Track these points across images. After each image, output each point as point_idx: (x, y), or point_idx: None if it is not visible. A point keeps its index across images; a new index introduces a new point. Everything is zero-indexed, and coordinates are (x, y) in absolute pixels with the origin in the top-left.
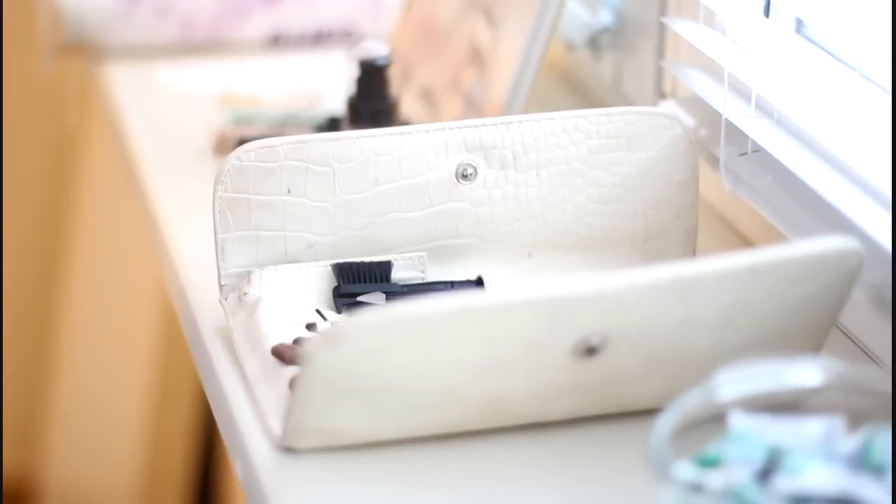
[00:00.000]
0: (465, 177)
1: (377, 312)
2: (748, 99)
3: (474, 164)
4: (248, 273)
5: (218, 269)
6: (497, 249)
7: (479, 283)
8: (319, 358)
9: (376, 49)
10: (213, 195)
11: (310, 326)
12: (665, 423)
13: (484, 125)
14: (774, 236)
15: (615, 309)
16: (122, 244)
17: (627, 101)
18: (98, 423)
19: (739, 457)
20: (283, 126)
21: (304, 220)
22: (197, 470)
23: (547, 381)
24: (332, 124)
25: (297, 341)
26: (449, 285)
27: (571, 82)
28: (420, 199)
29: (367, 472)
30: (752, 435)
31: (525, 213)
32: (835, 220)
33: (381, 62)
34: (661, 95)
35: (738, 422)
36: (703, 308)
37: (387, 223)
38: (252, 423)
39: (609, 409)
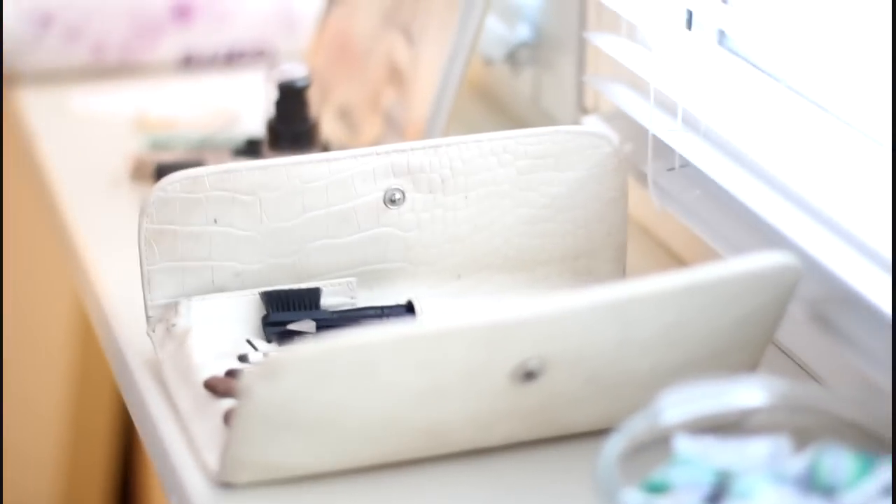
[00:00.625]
0: (392, 202)
1: (315, 344)
2: (674, 113)
3: (402, 189)
4: (176, 304)
5: (144, 300)
6: (426, 272)
7: (409, 307)
8: (257, 391)
9: (295, 70)
10: (139, 227)
11: (241, 357)
12: (611, 449)
13: (412, 149)
14: (704, 252)
15: (553, 333)
16: (38, 255)
17: (548, 117)
18: (14, 427)
19: (687, 482)
20: (200, 149)
21: (231, 250)
22: (117, 473)
23: (485, 407)
24: (251, 146)
25: (229, 373)
26: (379, 311)
27: (490, 98)
28: (348, 224)
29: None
30: (698, 458)
31: (453, 236)
32: (766, 235)
33: (300, 84)
34: (583, 110)
35: (684, 445)
36: (641, 329)
37: (315, 250)
38: (186, 457)
39: (548, 433)
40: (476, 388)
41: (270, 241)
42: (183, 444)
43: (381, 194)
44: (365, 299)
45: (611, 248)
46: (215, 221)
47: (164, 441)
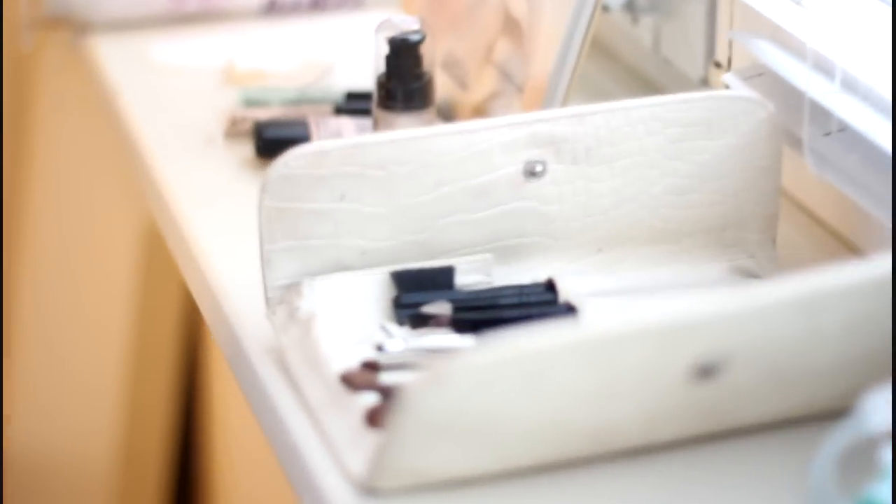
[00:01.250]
0: (533, 174)
1: (483, 351)
2: (829, 73)
3: (543, 161)
4: (299, 284)
5: (264, 281)
6: (565, 246)
7: (549, 286)
8: (421, 399)
9: (406, 23)
10: (259, 204)
11: (379, 347)
12: (822, 468)
13: (555, 118)
14: (860, 222)
15: (736, 330)
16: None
17: (672, 69)
18: (69, 390)
19: None
20: (297, 105)
21: (358, 227)
22: (177, 440)
23: (658, 406)
24: (352, 100)
25: (367, 365)
26: (518, 290)
27: (605, 48)
28: (485, 199)
29: None
30: None
31: (597, 208)
32: None
33: (413, 38)
34: (715, 65)
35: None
36: (828, 322)
37: (448, 226)
38: (322, 457)
39: (718, 429)
40: (650, 388)
41: (400, 217)
42: (317, 441)
43: (520, 166)
44: (501, 276)
45: (761, 219)
46: (342, 198)
47: (295, 438)
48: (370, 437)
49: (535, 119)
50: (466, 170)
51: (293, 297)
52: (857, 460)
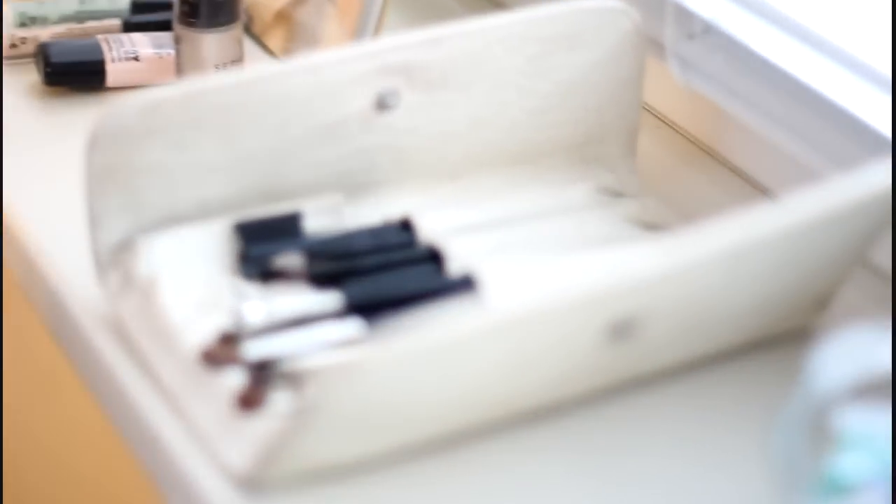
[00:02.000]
0: (385, 106)
1: (397, 342)
2: None
3: (396, 90)
4: (133, 243)
5: (92, 243)
6: (416, 178)
7: (404, 225)
8: (333, 391)
9: None
10: (86, 161)
11: (236, 315)
12: (782, 442)
13: (408, 45)
14: (718, 130)
15: (653, 292)
16: None
17: None
18: None
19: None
20: (80, 22)
21: (197, 178)
22: None
23: (572, 369)
24: (138, 9)
25: (225, 339)
26: (372, 233)
27: None
28: (333, 137)
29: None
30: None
31: (451, 135)
32: (801, 96)
33: None
34: None
35: (853, 424)
36: (744, 270)
37: (294, 169)
38: (188, 448)
39: (627, 380)
40: (563, 354)
41: (242, 164)
42: (180, 430)
43: (371, 99)
44: (350, 216)
45: (622, 133)
46: (178, 148)
47: (152, 426)
48: (244, 423)
49: (386, 48)
50: (313, 108)
51: (128, 258)
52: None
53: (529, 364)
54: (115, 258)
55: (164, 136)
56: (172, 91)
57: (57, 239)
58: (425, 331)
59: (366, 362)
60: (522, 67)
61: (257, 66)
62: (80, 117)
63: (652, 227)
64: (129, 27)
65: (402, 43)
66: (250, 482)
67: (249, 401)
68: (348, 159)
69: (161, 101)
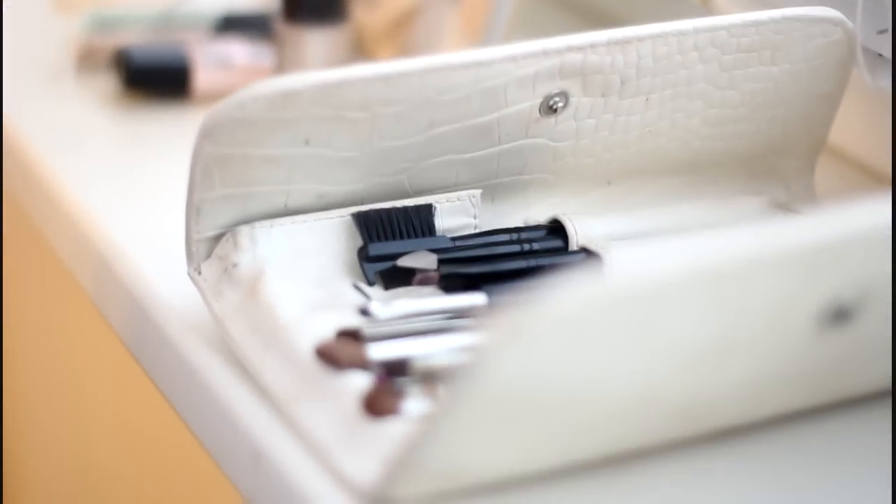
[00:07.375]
0: (552, 110)
1: (572, 295)
2: None
3: (566, 94)
4: (235, 234)
5: (188, 233)
6: (567, 181)
7: (554, 228)
8: (496, 362)
9: None
10: (197, 151)
11: (363, 311)
12: None
13: (591, 45)
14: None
15: (875, 260)
16: None
17: None
18: None
19: None
20: (164, 29)
21: (320, 172)
22: None
23: (774, 368)
24: (229, 24)
25: (345, 334)
26: (515, 233)
27: None
28: (484, 139)
29: None
30: None
31: (618, 143)
32: None
33: None
34: None
35: None
36: None
37: (431, 167)
38: (301, 462)
39: (820, 402)
40: (772, 338)
41: (373, 161)
42: (289, 441)
43: (537, 102)
44: (485, 217)
45: (806, 148)
46: (306, 143)
47: (258, 438)
48: (371, 432)
49: (566, 46)
50: (470, 108)
51: (227, 250)
52: None
53: (729, 350)
54: (210, 250)
55: (293, 131)
56: (307, 81)
57: (140, 239)
58: (614, 279)
59: (534, 323)
60: (715, 77)
61: (405, 60)
62: (162, 124)
63: None
64: (217, 31)
65: (585, 42)
66: (377, 499)
67: (380, 405)
68: (495, 160)
69: (294, 92)
